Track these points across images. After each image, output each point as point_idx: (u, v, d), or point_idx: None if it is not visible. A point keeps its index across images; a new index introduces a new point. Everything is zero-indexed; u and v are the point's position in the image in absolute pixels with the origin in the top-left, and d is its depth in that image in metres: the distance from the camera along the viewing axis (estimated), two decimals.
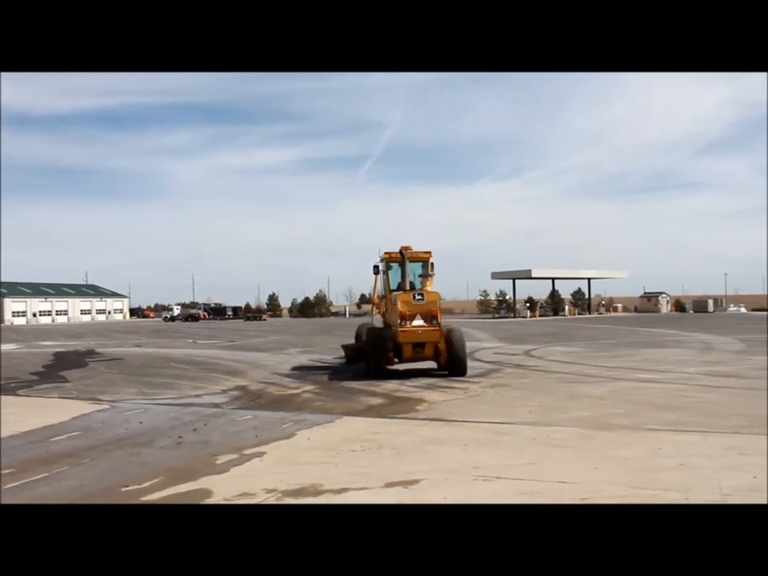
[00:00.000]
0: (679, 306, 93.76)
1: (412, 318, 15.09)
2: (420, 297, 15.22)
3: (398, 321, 15.06)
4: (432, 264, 16.90)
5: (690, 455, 6.93)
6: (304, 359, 20.84)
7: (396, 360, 15.52)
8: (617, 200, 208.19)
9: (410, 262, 16.47)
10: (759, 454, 6.94)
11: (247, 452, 7.60)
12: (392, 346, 15.36)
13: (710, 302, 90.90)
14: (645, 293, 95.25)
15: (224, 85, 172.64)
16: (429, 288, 16.32)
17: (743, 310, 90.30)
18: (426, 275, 16.82)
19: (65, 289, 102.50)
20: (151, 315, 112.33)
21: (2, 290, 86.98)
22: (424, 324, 15.04)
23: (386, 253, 16.81)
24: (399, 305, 15.11)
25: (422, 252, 16.74)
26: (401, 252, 16.26)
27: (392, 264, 16.84)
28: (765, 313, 72.25)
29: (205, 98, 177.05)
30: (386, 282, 16.90)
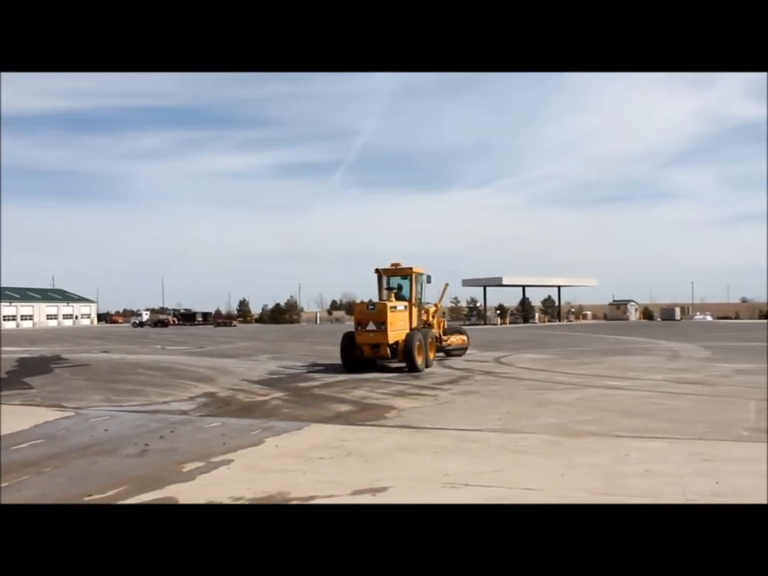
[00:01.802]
0: (647, 313, 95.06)
1: (366, 323, 18.04)
2: (372, 307, 18.19)
3: (356, 326, 18.30)
4: (428, 277, 20.19)
5: (656, 461, 6.99)
6: (273, 366, 20.69)
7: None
8: (587, 209, 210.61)
9: (391, 276, 19.81)
10: (722, 460, 7.05)
11: (214, 459, 7.51)
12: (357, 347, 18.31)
13: (677, 310, 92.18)
14: (614, 301, 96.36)
15: (197, 89, 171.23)
16: (414, 299, 19.40)
17: (709, 318, 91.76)
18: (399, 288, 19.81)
19: (30, 293, 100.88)
20: (120, 321, 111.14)
21: None
22: (375, 329, 17.84)
23: (375, 269, 19.73)
24: (356, 313, 18.89)
25: (404, 267, 19.78)
26: (376, 270, 19.58)
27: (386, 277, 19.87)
28: (729, 321, 73.45)
29: (177, 102, 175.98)
30: (380, 291, 19.73)
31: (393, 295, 19.29)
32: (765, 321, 79.92)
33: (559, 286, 78.15)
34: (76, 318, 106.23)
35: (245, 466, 7.26)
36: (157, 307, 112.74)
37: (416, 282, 19.55)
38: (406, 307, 18.97)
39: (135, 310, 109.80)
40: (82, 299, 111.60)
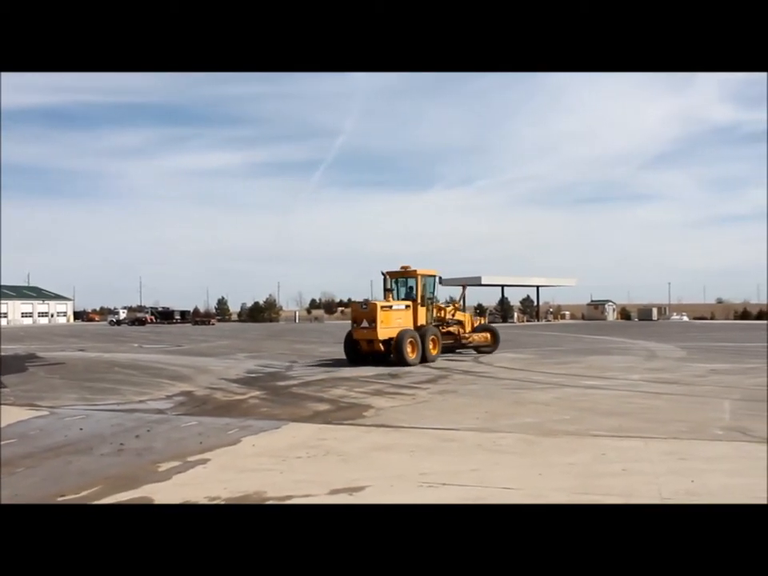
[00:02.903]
0: (625, 314, 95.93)
1: (360, 321, 19.66)
2: (365, 306, 19.85)
3: (352, 323, 20.16)
4: (440, 278, 21.94)
5: (633, 461, 7.04)
6: (252, 364, 20.59)
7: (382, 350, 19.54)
8: (565, 210, 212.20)
9: (399, 278, 21.42)
10: (697, 458, 7.11)
11: (191, 459, 7.45)
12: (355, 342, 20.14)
13: (654, 311, 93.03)
14: (592, 301, 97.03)
15: (177, 87, 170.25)
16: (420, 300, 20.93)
17: (685, 318, 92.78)
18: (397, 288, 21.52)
19: (4, 290, 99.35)
20: (96, 319, 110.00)
21: None
22: (368, 326, 19.43)
23: (381, 272, 21.25)
24: (352, 311, 20.64)
25: (410, 270, 21.32)
26: (382, 272, 21.09)
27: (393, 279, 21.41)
28: (705, 321, 74.24)
29: (157, 99, 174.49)
30: (384, 292, 21.07)
31: (391, 296, 20.75)
32: (740, 321, 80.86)
33: (538, 286, 78.55)
34: (52, 315, 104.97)
35: (221, 465, 7.20)
36: (134, 305, 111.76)
37: (421, 283, 20.99)
38: (407, 307, 20.39)
39: (112, 308, 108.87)
40: (57, 297, 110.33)
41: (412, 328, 20.04)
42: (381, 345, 19.33)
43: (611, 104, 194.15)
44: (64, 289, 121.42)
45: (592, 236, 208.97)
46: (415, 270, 21.13)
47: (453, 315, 22.77)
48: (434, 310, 21.87)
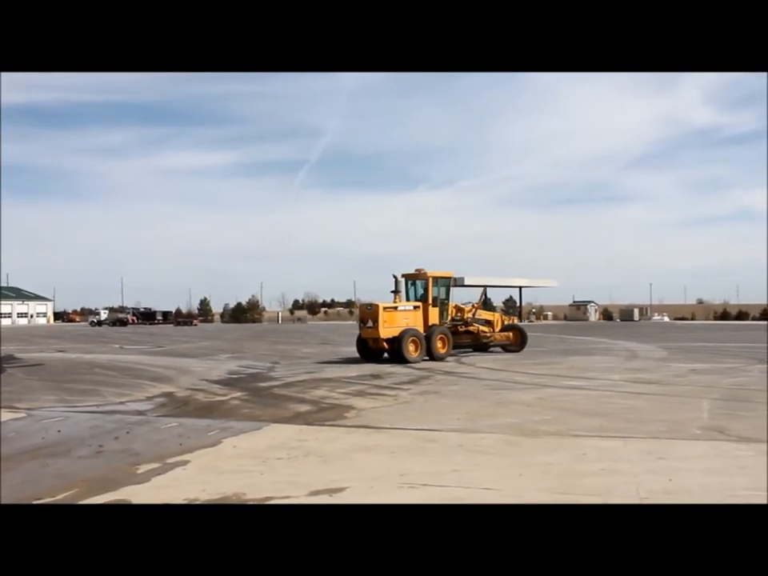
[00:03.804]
0: (607, 314, 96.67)
1: (366, 321, 21.10)
2: (369, 307, 21.33)
3: (359, 323, 21.67)
4: (454, 279, 23.18)
5: (612, 460, 7.08)
6: (233, 365, 20.51)
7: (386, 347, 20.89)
8: (548, 211, 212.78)
9: (412, 280, 22.60)
10: (675, 458, 7.17)
11: (170, 461, 7.39)
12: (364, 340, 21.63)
13: (636, 311, 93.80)
14: (574, 301, 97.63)
15: (159, 85, 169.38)
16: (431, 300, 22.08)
17: (666, 318, 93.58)
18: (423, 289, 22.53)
19: None
20: (77, 319, 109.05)
21: None
22: (372, 326, 20.73)
23: (392, 274, 22.40)
24: (359, 312, 22.47)
25: (421, 272, 22.49)
26: (393, 275, 22.26)
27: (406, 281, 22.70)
28: (686, 322, 74.88)
29: (140, 98, 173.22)
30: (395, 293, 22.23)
31: (398, 297, 21.95)
32: (720, 321, 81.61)
33: (520, 287, 78.93)
34: (31, 316, 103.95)
35: (201, 466, 7.16)
36: (116, 306, 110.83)
37: (433, 285, 22.12)
38: (416, 307, 21.59)
39: (93, 308, 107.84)
40: (37, 297, 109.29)
41: (421, 328, 21.22)
42: (384, 343, 20.71)
43: (595, 105, 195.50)
44: (44, 289, 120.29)
45: (575, 236, 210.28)
46: (426, 273, 22.33)
47: (473, 315, 23.86)
48: (452, 311, 23.24)
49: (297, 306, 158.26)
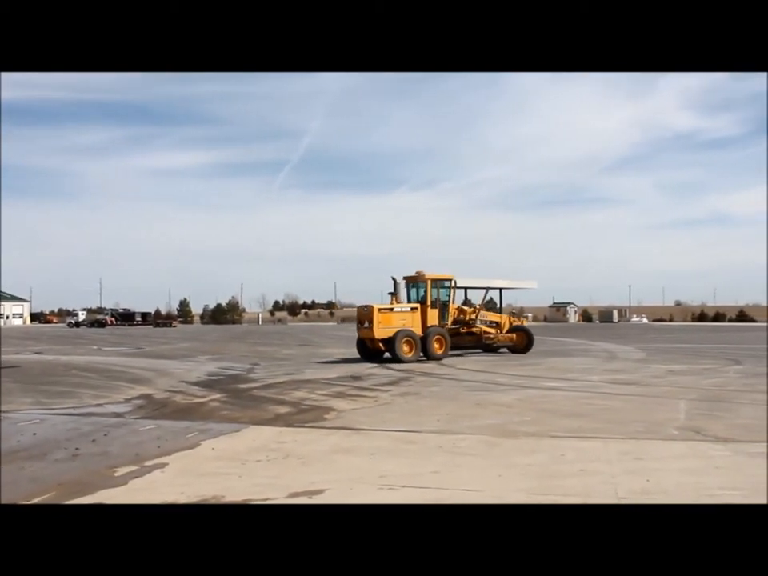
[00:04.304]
0: (586, 315, 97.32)
1: (363, 322, 21.89)
2: (366, 309, 21.98)
3: (357, 324, 22.58)
4: (453, 281, 23.47)
5: (591, 461, 7.11)
6: (213, 367, 20.39)
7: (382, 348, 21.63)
8: (527, 213, 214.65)
9: (412, 282, 23.23)
10: (653, 458, 7.22)
11: (148, 463, 7.32)
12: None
13: (615, 313, 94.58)
14: (554, 303, 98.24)
15: (139, 84, 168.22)
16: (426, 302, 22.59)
17: (645, 320, 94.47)
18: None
19: None
20: (54, 320, 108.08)
21: None
22: (368, 326, 21.53)
23: (392, 276, 23.20)
24: (357, 314, 22.99)
25: (420, 275, 23.07)
26: (392, 278, 23.03)
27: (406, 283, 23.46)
28: (664, 323, 75.52)
29: (119, 97, 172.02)
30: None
31: (395, 299, 22.63)
32: (697, 323, 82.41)
33: (501, 288, 79.21)
34: (7, 317, 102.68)
35: (179, 469, 7.10)
36: (94, 307, 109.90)
37: (432, 287, 22.75)
38: (413, 309, 22.25)
39: (71, 309, 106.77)
40: (13, 298, 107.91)
41: (419, 329, 21.91)
42: (379, 343, 21.50)
43: (575, 108, 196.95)
44: (20, 290, 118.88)
45: (554, 238, 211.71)
46: (424, 275, 23.01)
47: (476, 316, 24.38)
48: (454, 312, 23.88)
49: (277, 307, 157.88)
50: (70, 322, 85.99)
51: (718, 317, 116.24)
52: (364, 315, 22.06)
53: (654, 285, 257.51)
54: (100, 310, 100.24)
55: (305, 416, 10.70)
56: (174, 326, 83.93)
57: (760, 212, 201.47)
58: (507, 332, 25.08)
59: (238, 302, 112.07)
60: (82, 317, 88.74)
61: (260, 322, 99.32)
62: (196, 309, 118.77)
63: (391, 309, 22.05)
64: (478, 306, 25.10)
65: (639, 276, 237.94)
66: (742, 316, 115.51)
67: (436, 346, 21.98)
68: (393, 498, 5.80)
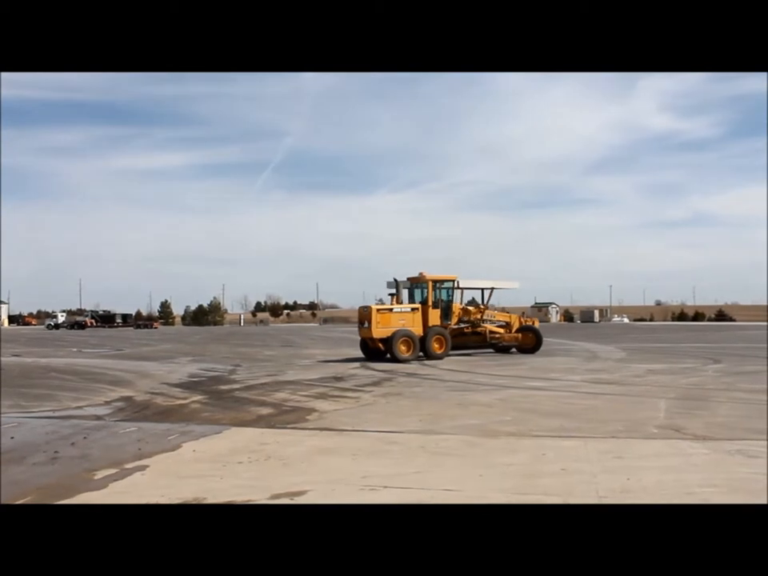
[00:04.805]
0: (568, 316, 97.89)
1: (363, 322, 22.35)
2: (365, 309, 22.49)
3: (359, 324, 23.04)
4: (455, 282, 23.94)
5: (571, 460, 7.15)
6: (194, 368, 20.27)
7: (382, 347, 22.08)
8: (509, 214, 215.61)
9: (414, 284, 23.62)
10: (633, 456, 7.28)
11: (128, 466, 7.26)
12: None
13: (596, 313, 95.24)
14: (536, 303, 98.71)
15: (118, 84, 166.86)
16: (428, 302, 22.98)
17: (626, 320, 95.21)
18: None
19: None
20: (33, 322, 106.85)
21: None
22: (367, 326, 21.98)
23: (394, 278, 23.71)
24: (358, 314, 23.20)
25: (421, 276, 23.42)
26: (394, 279, 23.53)
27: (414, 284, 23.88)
28: (644, 323, 76.10)
29: (98, 97, 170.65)
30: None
31: (396, 299, 23.09)
32: (677, 322, 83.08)
33: (482, 289, 79.48)
34: None
35: (160, 471, 7.05)
36: (74, 308, 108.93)
37: (433, 288, 23.08)
38: (414, 309, 22.64)
39: (50, 311, 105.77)
40: None
41: (419, 328, 22.26)
42: (379, 343, 22.04)
43: (555, 110, 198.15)
44: None
45: (536, 239, 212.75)
46: (425, 276, 23.34)
47: (481, 316, 24.94)
48: (459, 312, 24.34)
49: (259, 308, 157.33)
50: (49, 324, 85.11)
51: (698, 316, 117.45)
52: (364, 315, 22.51)
53: (635, 285, 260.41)
54: (80, 312, 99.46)
55: (286, 417, 10.67)
56: (156, 328, 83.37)
57: (737, 213, 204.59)
58: (515, 332, 25.27)
59: (219, 304, 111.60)
60: (61, 319, 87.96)
61: (242, 323, 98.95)
62: (177, 310, 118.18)
63: (390, 309, 22.56)
64: (481, 307, 25.38)
65: (620, 276, 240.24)
66: (721, 315, 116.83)
67: (435, 345, 22.38)
68: (375, 498, 5.80)
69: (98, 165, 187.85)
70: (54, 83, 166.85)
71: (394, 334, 21.70)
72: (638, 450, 7.70)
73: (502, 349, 25.20)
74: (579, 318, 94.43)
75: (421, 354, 21.97)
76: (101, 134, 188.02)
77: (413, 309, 22.77)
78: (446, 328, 23.15)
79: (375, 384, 15.42)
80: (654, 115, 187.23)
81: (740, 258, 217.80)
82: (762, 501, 5.46)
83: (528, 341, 25.18)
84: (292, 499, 5.81)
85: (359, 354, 23.78)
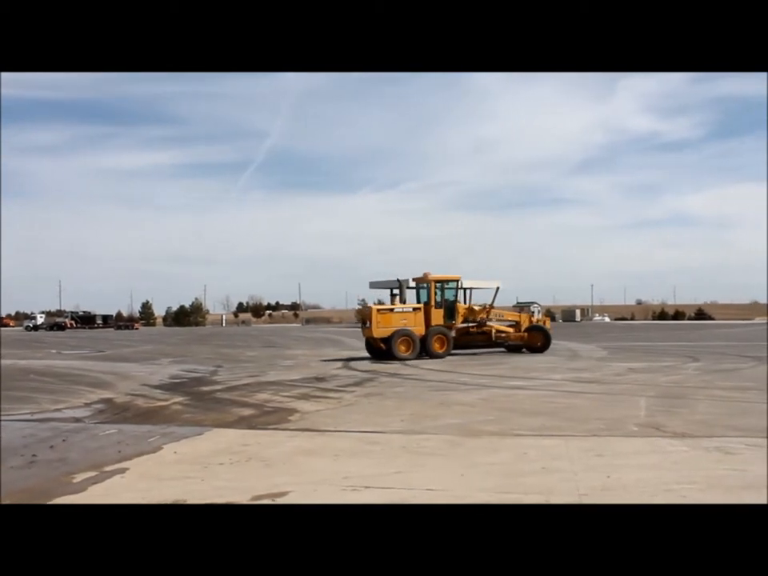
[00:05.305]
0: (549, 315, 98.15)
1: (365, 322, 22.90)
2: (366, 309, 23.45)
3: (361, 324, 23.79)
4: (456, 281, 24.07)
5: (552, 459, 7.18)
6: (176, 369, 20.15)
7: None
8: (490, 213, 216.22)
9: (421, 284, 24.02)
10: (613, 454, 7.32)
11: (108, 468, 7.20)
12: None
13: (578, 312, 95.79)
14: (517, 303, 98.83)
15: (98, 83, 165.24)
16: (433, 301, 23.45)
17: (607, 319, 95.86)
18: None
19: None
20: (11, 324, 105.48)
21: None
22: (368, 326, 22.29)
23: (397, 279, 24.81)
24: (362, 314, 24.25)
25: (423, 277, 23.84)
26: (397, 279, 24.81)
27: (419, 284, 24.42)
28: (625, 322, 76.62)
29: (75, 96, 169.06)
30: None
31: (398, 299, 23.94)
32: (658, 321, 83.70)
33: (465, 288, 79.64)
34: None
35: (140, 474, 6.99)
36: (53, 309, 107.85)
37: (436, 288, 23.42)
38: (416, 309, 22.85)
39: (29, 312, 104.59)
40: None
41: (421, 328, 22.42)
42: (380, 342, 22.23)
43: (536, 111, 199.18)
44: None
45: (517, 239, 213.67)
46: (427, 276, 23.72)
47: (486, 316, 24.96)
48: (464, 312, 24.35)
49: (241, 308, 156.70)
50: (28, 326, 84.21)
51: (678, 315, 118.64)
52: (365, 315, 23.12)
53: (616, 284, 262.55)
54: (59, 313, 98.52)
55: (268, 418, 10.63)
56: (137, 329, 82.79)
57: (714, 213, 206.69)
58: (526, 331, 25.21)
59: (201, 304, 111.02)
60: (40, 320, 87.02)
61: (224, 324, 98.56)
62: (159, 311, 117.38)
63: (391, 309, 22.91)
64: (487, 306, 25.36)
65: (601, 276, 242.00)
66: (701, 314, 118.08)
67: (437, 345, 22.60)
68: (357, 498, 5.79)
69: (77, 164, 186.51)
70: (33, 82, 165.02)
71: (393, 334, 21.95)
72: (618, 448, 7.75)
73: (512, 348, 25.19)
74: (561, 318, 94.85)
75: (425, 354, 22.20)
76: (80, 133, 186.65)
77: (414, 309, 22.98)
78: (449, 328, 23.30)
79: (357, 384, 15.40)
80: (634, 116, 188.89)
81: (718, 257, 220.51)
82: (738, 496, 5.53)
83: (536, 340, 25.07)
84: (273, 500, 5.79)
85: (341, 354, 23.81)
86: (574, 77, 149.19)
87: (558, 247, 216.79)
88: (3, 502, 5.68)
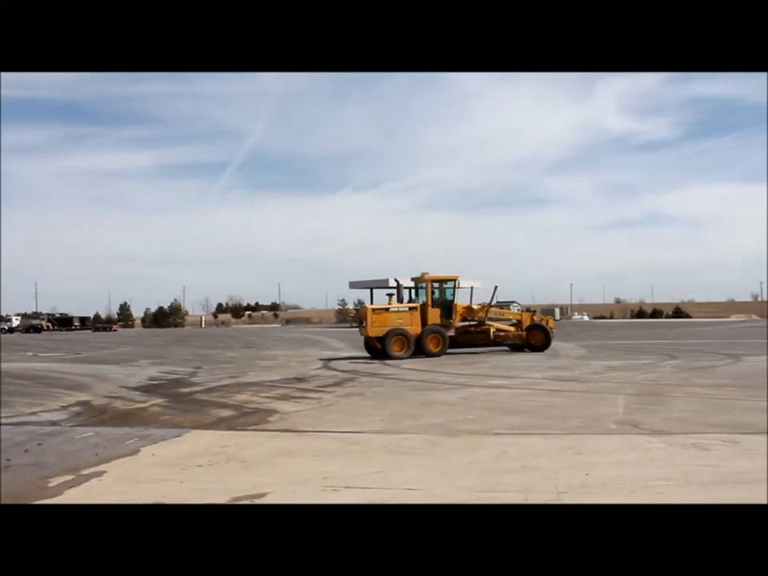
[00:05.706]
0: (550, 314, 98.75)
1: (361, 321, 23.26)
2: (362, 309, 23.95)
3: (358, 324, 24.25)
4: (454, 281, 24.13)
5: (532, 457, 7.21)
6: (154, 371, 19.99)
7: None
8: (470, 213, 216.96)
9: (419, 284, 24.40)
10: (592, 452, 7.36)
11: (85, 472, 7.11)
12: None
13: (557, 311, 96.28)
14: (497, 302, 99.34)
15: (74, 82, 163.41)
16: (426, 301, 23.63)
17: (586, 317, 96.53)
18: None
19: None
20: None
21: None
22: (364, 326, 22.63)
23: (395, 279, 25.26)
24: (358, 314, 24.64)
25: (420, 277, 24.22)
26: (395, 279, 25.24)
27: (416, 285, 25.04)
28: (604, 320, 77.21)
29: (52, 95, 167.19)
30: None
31: (394, 299, 23.74)
32: (636, 320, 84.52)
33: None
34: None
35: (118, 477, 6.92)
36: (29, 312, 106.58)
37: (431, 287, 23.53)
38: (412, 309, 23.11)
39: (4, 314, 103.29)
40: None
41: (417, 327, 22.60)
42: (375, 341, 22.52)
43: (515, 111, 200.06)
44: None
45: (497, 238, 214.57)
46: (423, 277, 23.98)
47: (485, 315, 24.82)
48: (462, 311, 24.32)
49: (221, 309, 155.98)
50: (3, 328, 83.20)
51: (656, 313, 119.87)
52: (361, 315, 23.55)
53: (595, 283, 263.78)
54: (36, 315, 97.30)
55: (247, 419, 10.58)
56: (115, 331, 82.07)
57: (692, 212, 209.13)
58: (526, 330, 25.10)
59: (180, 305, 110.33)
60: (16, 322, 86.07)
61: (203, 325, 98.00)
62: (137, 312, 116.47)
63: (387, 309, 23.07)
64: (485, 305, 25.28)
65: (580, 275, 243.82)
66: (678, 312, 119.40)
67: (432, 344, 22.72)
68: (336, 498, 5.77)
69: (53, 165, 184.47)
70: (7, 81, 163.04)
71: (387, 333, 22.13)
72: (597, 445, 7.80)
73: (515, 347, 25.07)
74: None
75: (422, 354, 22.28)
76: (56, 133, 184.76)
77: (410, 308, 23.16)
78: (447, 327, 23.41)
79: (337, 384, 15.37)
80: (612, 116, 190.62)
81: (695, 256, 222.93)
82: (711, 492, 5.59)
83: (536, 339, 24.98)
84: (253, 501, 5.75)
85: (321, 353, 23.77)
86: (553, 77, 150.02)
87: (537, 246, 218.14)
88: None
